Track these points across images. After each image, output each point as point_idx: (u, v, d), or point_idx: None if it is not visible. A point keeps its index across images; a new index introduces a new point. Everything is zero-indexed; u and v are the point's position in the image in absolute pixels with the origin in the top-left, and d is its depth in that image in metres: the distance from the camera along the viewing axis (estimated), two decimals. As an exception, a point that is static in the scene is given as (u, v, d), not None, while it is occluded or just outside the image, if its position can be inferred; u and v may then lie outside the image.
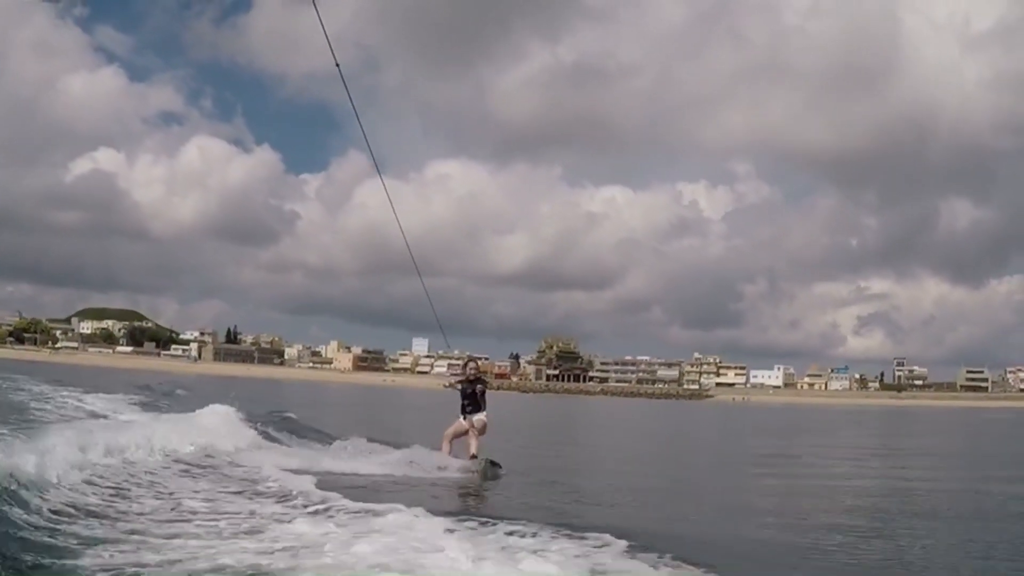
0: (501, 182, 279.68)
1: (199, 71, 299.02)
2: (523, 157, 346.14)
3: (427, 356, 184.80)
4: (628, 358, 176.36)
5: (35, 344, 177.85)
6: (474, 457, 12.66)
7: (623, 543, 6.24)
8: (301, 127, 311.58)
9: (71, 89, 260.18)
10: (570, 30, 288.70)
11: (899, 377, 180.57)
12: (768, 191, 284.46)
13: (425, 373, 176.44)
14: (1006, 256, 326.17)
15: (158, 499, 7.93)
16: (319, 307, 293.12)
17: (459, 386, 13.53)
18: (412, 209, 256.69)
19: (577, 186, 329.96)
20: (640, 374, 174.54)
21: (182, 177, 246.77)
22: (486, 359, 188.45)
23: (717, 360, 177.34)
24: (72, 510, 6.94)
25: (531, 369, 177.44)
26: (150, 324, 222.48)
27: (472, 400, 13.26)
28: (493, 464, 12.37)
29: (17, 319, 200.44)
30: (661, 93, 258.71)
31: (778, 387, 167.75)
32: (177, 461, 10.83)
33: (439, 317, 14.86)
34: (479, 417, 13.12)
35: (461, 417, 13.30)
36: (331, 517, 7.23)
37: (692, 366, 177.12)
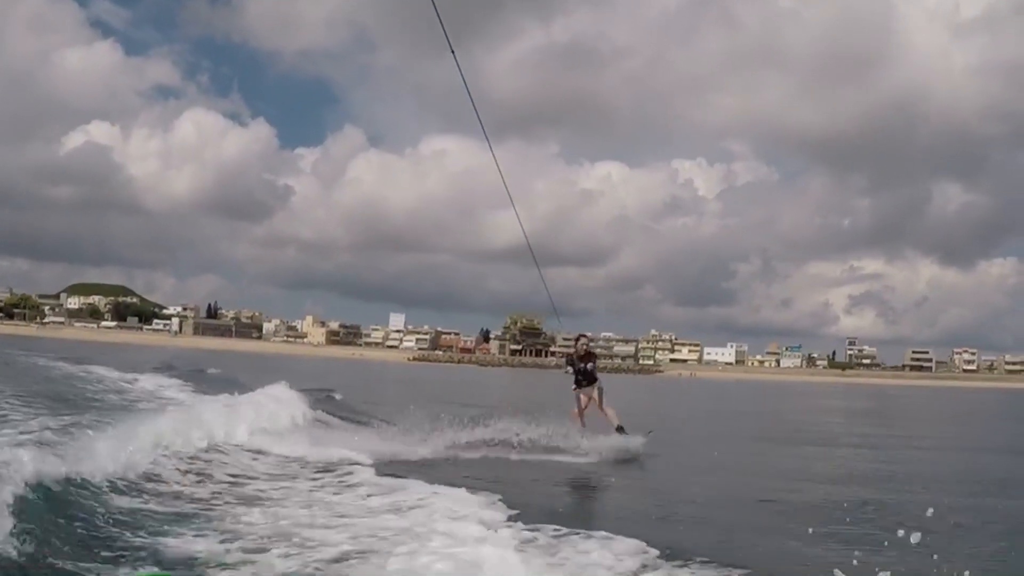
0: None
1: (195, 46, 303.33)
2: (517, 135, 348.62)
3: (396, 331, 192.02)
4: (588, 334, 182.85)
5: (24, 319, 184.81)
6: (620, 429, 13.14)
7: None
8: (297, 102, 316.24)
9: (67, 63, 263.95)
10: (564, 11, 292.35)
11: (850, 356, 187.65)
12: (762, 171, 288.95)
13: (395, 347, 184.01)
14: (995, 239, 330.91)
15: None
16: (312, 282, 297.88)
17: (570, 369, 13.85)
18: (407, 185, 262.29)
19: (574, 164, 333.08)
20: (598, 349, 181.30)
21: (177, 151, 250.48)
22: (456, 334, 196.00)
23: (672, 337, 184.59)
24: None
25: (495, 344, 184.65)
26: (135, 300, 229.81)
27: (585, 374, 13.79)
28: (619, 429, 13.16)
29: (7, 295, 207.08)
30: (655, 75, 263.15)
31: (730, 363, 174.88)
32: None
33: (553, 299, 15.57)
34: (596, 387, 13.74)
35: (575, 389, 13.87)
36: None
37: (648, 342, 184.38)
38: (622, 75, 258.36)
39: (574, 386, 13.87)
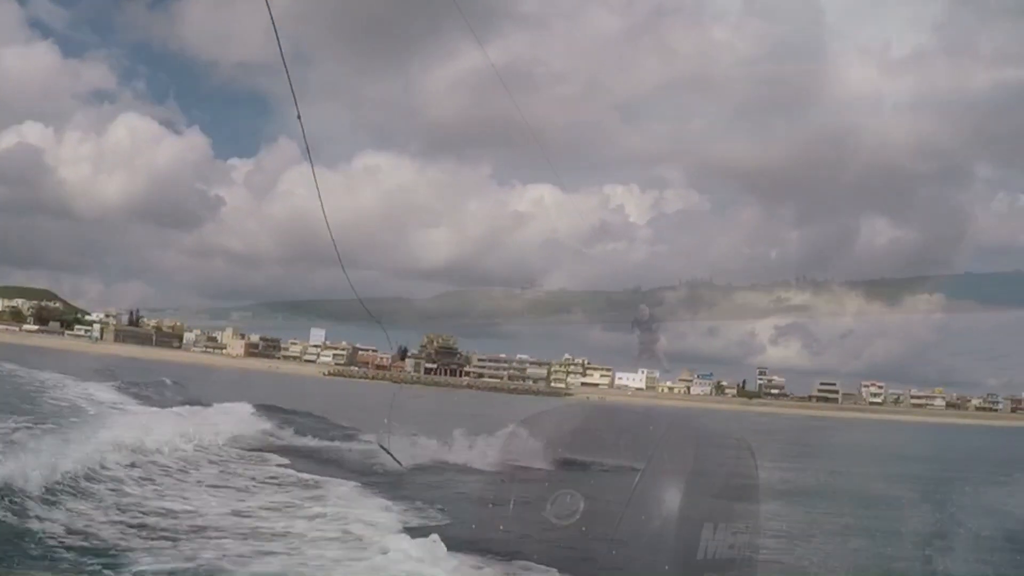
0: (429, 178, 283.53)
1: (132, 51, 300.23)
2: (451, 154, 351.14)
3: (314, 346, 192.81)
4: (502, 356, 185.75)
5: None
6: None
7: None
8: (232, 113, 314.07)
9: (3, 62, 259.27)
10: (501, 35, 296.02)
11: (759, 386, 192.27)
12: (693, 199, 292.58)
13: (312, 362, 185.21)
14: (923, 275, 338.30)
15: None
16: (238, 293, 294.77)
17: None
18: (339, 200, 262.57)
19: (506, 185, 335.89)
20: (512, 371, 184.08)
21: (110, 156, 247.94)
22: (374, 350, 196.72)
23: (585, 361, 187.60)
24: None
25: (411, 362, 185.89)
26: (59, 304, 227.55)
27: None
28: None
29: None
30: (589, 100, 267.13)
31: (640, 388, 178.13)
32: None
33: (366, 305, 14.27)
34: None
35: None
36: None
37: (561, 366, 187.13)
38: (557, 99, 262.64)
39: None
